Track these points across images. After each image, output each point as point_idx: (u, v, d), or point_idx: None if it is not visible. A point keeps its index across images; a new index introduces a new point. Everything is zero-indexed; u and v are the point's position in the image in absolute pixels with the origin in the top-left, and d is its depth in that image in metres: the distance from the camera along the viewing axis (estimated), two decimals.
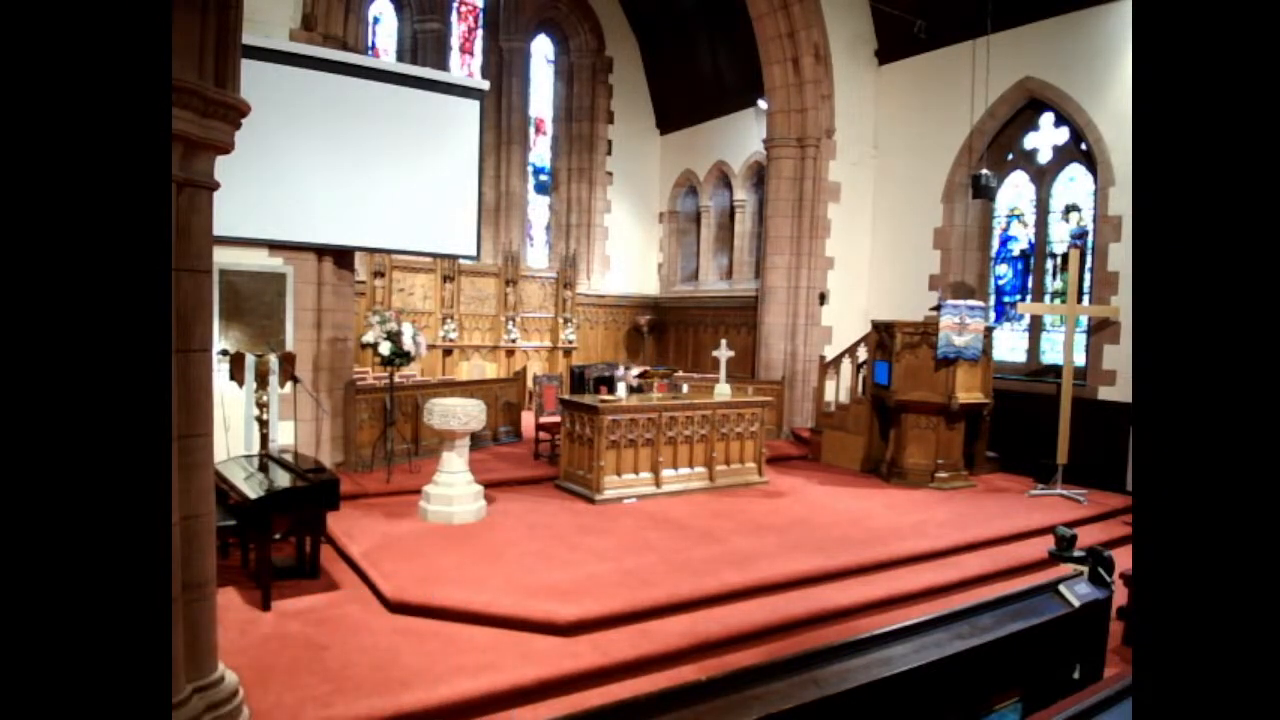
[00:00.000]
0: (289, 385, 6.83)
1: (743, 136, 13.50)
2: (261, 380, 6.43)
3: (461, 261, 12.64)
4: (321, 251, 7.53)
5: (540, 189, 15.17)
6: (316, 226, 7.41)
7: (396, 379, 8.40)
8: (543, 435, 8.96)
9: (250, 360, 6.40)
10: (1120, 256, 8.76)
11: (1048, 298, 9.93)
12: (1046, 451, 8.55)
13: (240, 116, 3.13)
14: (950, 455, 8.72)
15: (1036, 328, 10.10)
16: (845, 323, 11.23)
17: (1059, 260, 9.84)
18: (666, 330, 15.32)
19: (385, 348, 7.41)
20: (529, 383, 11.05)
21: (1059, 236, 9.89)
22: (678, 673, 4.20)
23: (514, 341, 13.77)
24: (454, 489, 6.48)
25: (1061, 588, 3.63)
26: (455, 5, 13.81)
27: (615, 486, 7.50)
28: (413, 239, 8.59)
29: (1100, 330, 8.88)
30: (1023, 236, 10.33)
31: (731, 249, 14.27)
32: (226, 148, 3.11)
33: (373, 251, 10.99)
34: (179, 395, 2.93)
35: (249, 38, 4.05)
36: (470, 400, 6.63)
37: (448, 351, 13.05)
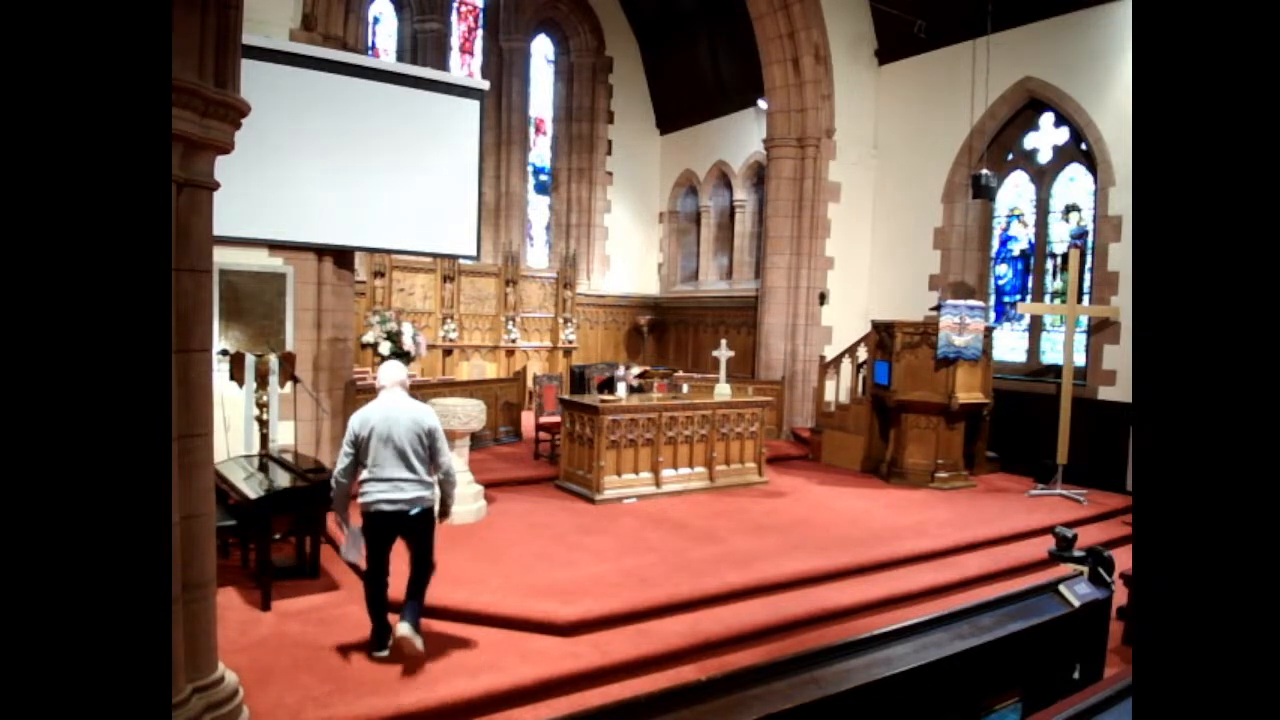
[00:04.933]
0: (289, 385, 6.83)
1: (743, 136, 13.50)
2: (261, 380, 6.42)
3: (461, 261, 12.63)
4: (321, 251, 7.52)
5: (540, 189, 15.17)
6: (316, 226, 7.40)
7: None
8: (543, 435, 8.96)
9: (250, 360, 6.39)
10: (1120, 256, 8.76)
11: (1048, 298, 9.93)
12: (1046, 451, 8.55)
13: (240, 116, 3.13)
14: (950, 455, 8.72)
15: (1036, 328, 10.10)
16: (845, 323, 11.22)
17: (1059, 260, 9.84)
18: (666, 330, 15.31)
19: (385, 347, 7.42)
20: (529, 383, 11.05)
21: (1059, 236, 9.89)
22: (678, 673, 4.20)
23: (514, 341, 13.76)
24: None
25: (1061, 588, 3.63)
26: (455, 5, 13.81)
27: (615, 486, 7.49)
28: (413, 239, 8.58)
29: (1100, 330, 8.88)
30: (1023, 236, 10.33)
31: (731, 249, 14.27)
32: (226, 148, 3.11)
33: (373, 251, 10.98)
34: (179, 395, 2.93)
35: (249, 38, 4.05)
36: (470, 400, 6.63)
37: (448, 351, 13.05)
